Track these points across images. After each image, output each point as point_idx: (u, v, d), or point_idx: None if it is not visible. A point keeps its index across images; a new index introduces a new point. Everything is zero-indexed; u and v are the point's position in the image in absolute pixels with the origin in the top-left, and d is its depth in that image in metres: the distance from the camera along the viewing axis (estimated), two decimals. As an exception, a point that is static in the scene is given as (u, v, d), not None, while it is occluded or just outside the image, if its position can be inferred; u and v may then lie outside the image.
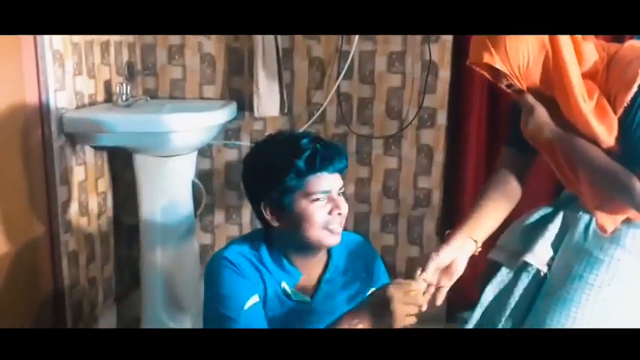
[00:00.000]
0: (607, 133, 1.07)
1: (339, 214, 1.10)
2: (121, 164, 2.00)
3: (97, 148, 1.88)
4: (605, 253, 1.17)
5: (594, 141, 1.09)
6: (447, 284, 1.22)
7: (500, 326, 1.30)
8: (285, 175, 1.08)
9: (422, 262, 1.21)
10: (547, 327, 1.18)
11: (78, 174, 1.77)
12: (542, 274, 1.24)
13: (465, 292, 2.13)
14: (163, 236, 1.89)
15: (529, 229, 1.31)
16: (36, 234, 1.63)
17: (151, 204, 1.87)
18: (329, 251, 1.19)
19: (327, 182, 1.09)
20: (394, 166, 2.13)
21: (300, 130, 2.05)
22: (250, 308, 1.08)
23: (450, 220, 2.16)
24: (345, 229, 1.16)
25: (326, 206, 1.10)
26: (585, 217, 1.21)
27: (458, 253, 1.22)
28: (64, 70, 1.68)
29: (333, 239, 1.12)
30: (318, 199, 1.09)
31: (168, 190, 1.88)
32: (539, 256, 1.24)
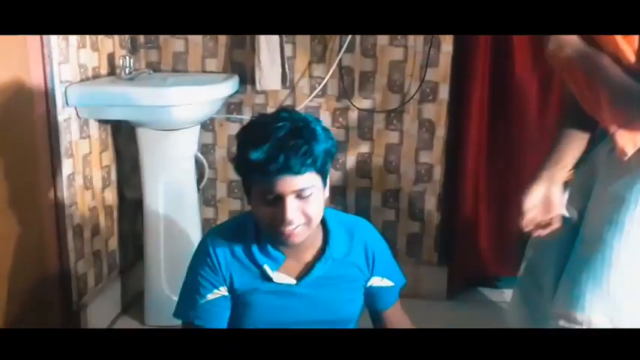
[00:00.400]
0: (631, 50, 1.06)
1: (284, 219, 1.01)
2: (124, 138, 2.03)
3: (101, 122, 1.90)
4: (632, 192, 1.18)
5: (617, 60, 1.09)
6: (549, 217, 1.27)
7: (542, 279, 1.37)
8: (238, 166, 1.06)
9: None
10: (585, 274, 1.22)
11: (82, 147, 1.80)
12: (572, 221, 1.28)
13: (465, 271, 2.20)
14: (166, 210, 1.92)
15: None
16: (41, 207, 1.66)
17: (154, 178, 1.90)
18: (326, 236, 1.15)
19: (277, 184, 1.00)
20: (395, 140, 2.15)
21: (302, 105, 2.08)
22: (210, 302, 1.12)
23: (451, 196, 2.21)
24: (346, 210, 1.17)
25: (273, 207, 1.02)
26: (612, 160, 1.23)
27: (550, 184, 1.25)
28: (67, 43, 1.69)
29: (285, 241, 1.05)
30: (266, 199, 1.03)
31: (171, 164, 1.91)
32: (569, 204, 1.29)
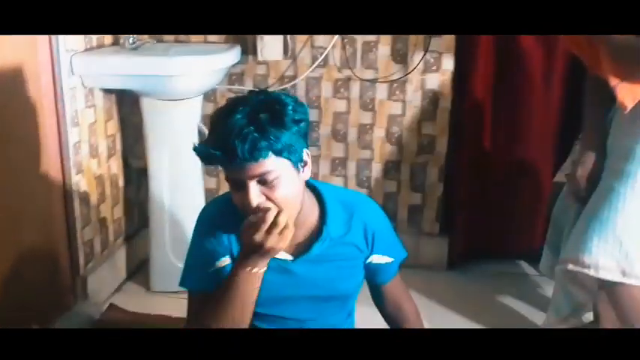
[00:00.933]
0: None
1: (249, 206, 1.01)
2: (129, 108, 2.07)
3: (106, 91, 1.94)
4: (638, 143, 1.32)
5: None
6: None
7: (565, 232, 1.56)
8: (199, 156, 1.05)
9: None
10: (593, 220, 1.39)
11: (88, 116, 1.84)
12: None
13: (466, 242, 2.24)
14: (170, 179, 1.98)
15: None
16: (49, 175, 1.72)
17: (157, 147, 1.95)
18: (323, 215, 1.14)
19: (233, 171, 1.02)
20: (398, 111, 2.17)
21: (303, 75, 2.10)
22: (216, 271, 1.13)
23: (455, 168, 2.23)
24: (346, 181, 1.18)
25: (239, 193, 1.03)
26: (619, 115, 1.35)
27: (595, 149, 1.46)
28: (70, 12, 1.73)
29: (262, 222, 1.02)
30: (233, 184, 1.04)
31: (174, 134, 1.96)
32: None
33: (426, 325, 1.87)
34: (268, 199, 1.02)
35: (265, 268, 1.06)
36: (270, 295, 1.13)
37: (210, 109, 2.20)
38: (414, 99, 2.15)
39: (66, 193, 1.78)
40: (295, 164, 1.05)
